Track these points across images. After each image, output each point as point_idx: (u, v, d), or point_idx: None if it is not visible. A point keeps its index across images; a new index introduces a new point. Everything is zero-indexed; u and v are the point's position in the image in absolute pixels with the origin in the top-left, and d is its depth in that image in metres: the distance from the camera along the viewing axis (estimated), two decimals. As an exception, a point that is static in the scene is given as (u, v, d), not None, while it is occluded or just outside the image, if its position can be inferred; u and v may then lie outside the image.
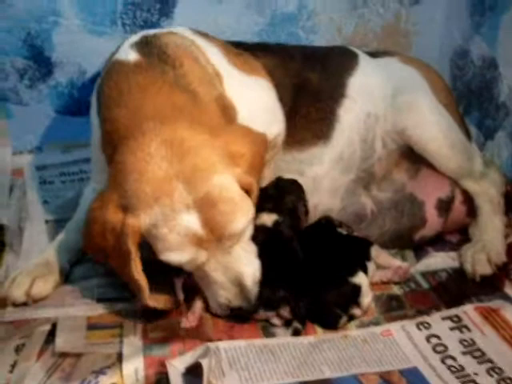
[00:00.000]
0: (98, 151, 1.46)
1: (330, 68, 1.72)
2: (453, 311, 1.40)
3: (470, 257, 1.57)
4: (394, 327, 1.37)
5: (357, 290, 1.40)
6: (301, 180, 1.62)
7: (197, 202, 1.21)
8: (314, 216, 1.64)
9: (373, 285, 1.49)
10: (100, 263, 1.49)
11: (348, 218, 1.68)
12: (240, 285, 1.29)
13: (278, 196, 1.53)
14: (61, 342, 1.31)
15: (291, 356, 1.28)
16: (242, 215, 1.25)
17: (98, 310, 1.42)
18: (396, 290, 1.52)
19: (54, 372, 1.24)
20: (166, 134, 1.24)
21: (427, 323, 1.37)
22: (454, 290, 1.52)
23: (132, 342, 1.32)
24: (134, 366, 1.25)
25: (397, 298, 1.49)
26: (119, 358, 1.28)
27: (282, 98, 1.60)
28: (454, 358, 1.28)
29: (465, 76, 2.06)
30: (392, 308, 1.46)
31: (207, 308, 1.39)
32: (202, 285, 1.34)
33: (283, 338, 1.35)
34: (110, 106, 1.38)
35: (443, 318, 1.39)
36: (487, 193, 1.67)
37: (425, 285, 1.54)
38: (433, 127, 1.65)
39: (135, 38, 1.50)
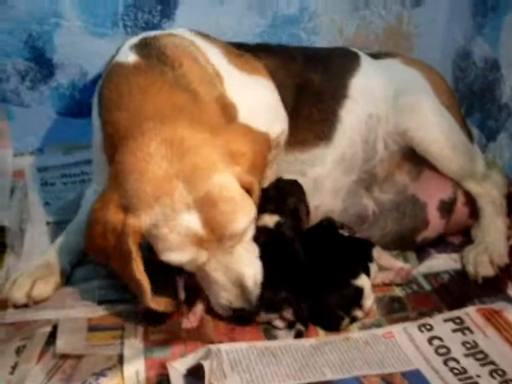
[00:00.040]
0: (100, 153, 1.46)
1: (331, 69, 1.72)
2: (455, 313, 1.40)
3: (473, 258, 1.57)
4: (396, 329, 1.36)
5: (359, 292, 1.40)
6: (302, 181, 1.62)
7: (197, 202, 1.21)
8: (315, 217, 1.64)
9: (375, 286, 1.48)
10: (101, 265, 1.48)
11: (350, 219, 1.67)
12: (241, 286, 1.29)
13: (280, 197, 1.53)
14: (61, 344, 1.31)
15: (293, 358, 1.27)
16: (242, 215, 1.24)
17: (98, 312, 1.42)
18: (398, 291, 1.52)
19: (54, 374, 1.24)
20: (165, 133, 1.24)
21: (429, 325, 1.37)
22: (456, 291, 1.51)
23: (133, 344, 1.32)
24: (135, 367, 1.25)
25: (399, 300, 1.49)
26: (120, 359, 1.27)
27: (284, 99, 1.60)
28: (456, 360, 1.28)
29: (467, 77, 2.06)
30: (394, 310, 1.46)
31: (208, 310, 1.39)
32: (204, 285, 1.34)
33: (285, 341, 1.34)
34: (110, 109, 1.38)
35: (445, 320, 1.38)
36: (489, 194, 1.67)
37: (427, 287, 1.54)
38: (435, 129, 1.65)
39: (134, 40, 1.50)
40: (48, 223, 1.75)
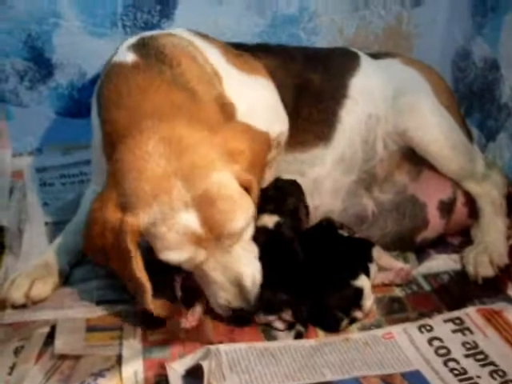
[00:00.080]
0: (99, 153, 1.45)
1: (331, 69, 1.71)
2: (455, 313, 1.40)
3: (472, 259, 1.56)
4: (396, 330, 1.36)
5: (359, 293, 1.40)
6: (302, 181, 1.62)
7: (195, 200, 1.20)
8: (314, 217, 1.64)
9: (374, 287, 1.48)
10: (100, 265, 1.48)
11: (349, 219, 1.67)
12: (239, 285, 1.28)
13: (279, 197, 1.53)
14: (60, 344, 1.31)
15: (292, 359, 1.27)
16: (241, 213, 1.24)
17: (97, 312, 1.42)
18: (398, 292, 1.51)
19: (52, 374, 1.24)
20: (164, 131, 1.23)
21: (429, 326, 1.36)
22: (456, 292, 1.51)
23: (132, 345, 1.31)
24: (134, 368, 1.25)
25: (398, 301, 1.49)
26: (119, 360, 1.27)
27: (283, 99, 1.59)
28: (456, 361, 1.27)
29: (466, 77, 2.06)
30: (394, 310, 1.46)
31: (208, 310, 1.38)
32: (202, 285, 1.33)
33: (284, 341, 1.34)
34: (109, 108, 1.37)
35: (445, 321, 1.38)
36: (489, 194, 1.66)
37: (427, 287, 1.53)
38: (434, 129, 1.64)
39: (132, 39, 1.50)
40: (46, 223, 1.74)
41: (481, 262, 1.55)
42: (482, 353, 1.29)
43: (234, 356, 1.25)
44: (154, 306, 1.30)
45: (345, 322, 1.38)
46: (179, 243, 1.21)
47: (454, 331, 1.35)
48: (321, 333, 1.38)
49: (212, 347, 1.25)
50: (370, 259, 1.51)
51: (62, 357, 1.28)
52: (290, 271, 1.41)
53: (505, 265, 1.55)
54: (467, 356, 1.28)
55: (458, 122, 1.71)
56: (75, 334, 1.34)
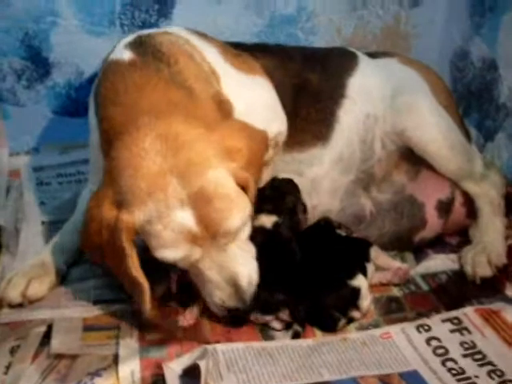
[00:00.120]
0: (97, 152, 1.45)
1: (329, 69, 1.71)
2: (453, 313, 1.39)
3: (471, 259, 1.56)
4: (394, 330, 1.36)
5: (356, 293, 1.39)
6: (300, 181, 1.61)
7: (191, 197, 1.19)
8: (312, 217, 1.63)
9: (372, 287, 1.47)
10: (97, 264, 1.47)
11: (347, 219, 1.67)
12: (235, 285, 1.27)
13: (277, 196, 1.52)
14: (56, 344, 1.30)
15: (290, 359, 1.26)
16: (237, 212, 1.22)
17: (94, 312, 1.41)
18: (396, 292, 1.51)
19: (49, 374, 1.23)
20: (160, 128, 1.23)
21: (427, 325, 1.36)
22: (454, 292, 1.51)
23: (128, 344, 1.31)
24: (131, 367, 1.24)
25: (396, 300, 1.48)
26: (115, 359, 1.27)
27: (282, 99, 1.59)
28: (454, 361, 1.27)
29: (465, 77, 2.06)
30: (392, 310, 1.45)
31: (205, 310, 1.37)
32: (198, 283, 1.32)
33: (282, 341, 1.34)
34: (106, 106, 1.37)
35: (443, 321, 1.37)
36: (487, 194, 1.66)
37: (425, 287, 1.53)
38: (432, 129, 1.64)
39: (129, 38, 1.50)
40: (43, 223, 1.74)
41: (479, 262, 1.54)
42: (480, 352, 1.29)
43: (232, 356, 1.25)
44: (151, 307, 1.29)
45: (342, 321, 1.38)
46: (174, 241, 1.20)
47: (452, 331, 1.34)
48: (318, 333, 1.37)
49: (209, 347, 1.25)
50: (367, 259, 1.50)
51: (59, 356, 1.27)
52: (288, 271, 1.40)
53: (503, 265, 1.55)
54: (465, 356, 1.28)
55: (456, 122, 1.71)
56: (72, 334, 1.34)
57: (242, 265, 1.28)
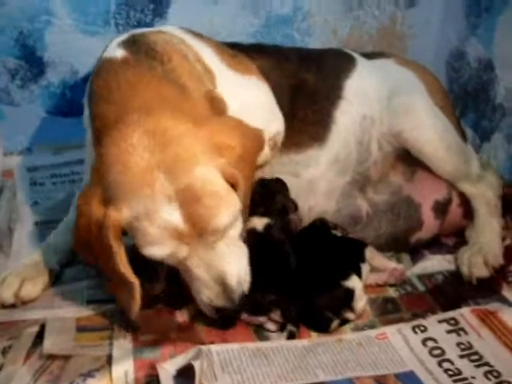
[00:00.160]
0: (91, 151, 1.44)
1: (325, 69, 1.71)
2: (449, 314, 1.38)
3: (467, 259, 1.56)
4: (390, 330, 1.35)
5: (350, 293, 1.38)
6: (296, 182, 1.61)
7: (178, 194, 1.17)
8: (308, 218, 1.63)
9: (368, 287, 1.47)
10: (91, 265, 1.46)
11: (343, 220, 1.66)
12: (223, 284, 1.24)
13: (266, 197, 1.51)
14: (49, 344, 1.29)
15: (285, 359, 1.25)
16: (226, 209, 1.20)
17: (87, 312, 1.40)
18: (392, 292, 1.50)
19: (41, 375, 1.22)
20: (149, 124, 1.21)
21: (423, 326, 1.35)
22: (450, 292, 1.50)
23: (122, 345, 1.30)
24: (124, 368, 1.23)
25: (392, 301, 1.48)
26: (109, 360, 1.25)
27: (280, 100, 1.58)
28: (450, 362, 1.26)
29: (461, 78, 2.05)
30: (388, 311, 1.45)
31: (199, 311, 1.36)
32: (187, 280, 1.30)
33: (277, 342, 1.33)
34: (99, 104, 1.36)
35: (440, 321, 1.37)
36: (484, 195, 1.66)
37: (421, 287, 1.52)
38: (429, 130, 1.64)
39: (123, 36, 1.49)
40: (37, 223, 1.73)
41: (475, 262, 1.54)
42: (476, 353, 1.28)
43: (226, 356, 1.24)
44: (140, 306, 1.27)
45: (335, 322, 1.37)
46: (160, 238, 1.18)
47: (449, 332, 1.34)
48: (314, 333, 1.37)
49: (203, 347, 1.24)
50: (362, 259, 1.50)
51: (51, 357, 1.26)
52: (281, 273, 1.39)
53: (499, 265, 1.54)
54: (462, 356, 1.27)
55: (452, 123, 1.70)
56: (65, 334, 1.33)
57: (231, 263, 1.25)
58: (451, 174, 1.66)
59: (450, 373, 1.23)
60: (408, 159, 1.68)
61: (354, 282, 1.40)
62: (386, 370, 1.24)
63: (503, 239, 1.62)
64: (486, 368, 1.24)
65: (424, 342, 1.31)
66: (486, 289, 1.50)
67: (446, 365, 1.25)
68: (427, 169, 1.66)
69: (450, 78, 2.11)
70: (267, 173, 1.59)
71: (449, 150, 1.64)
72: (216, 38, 1.63)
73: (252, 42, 1.96)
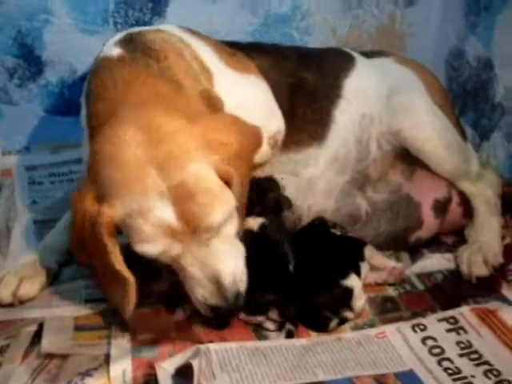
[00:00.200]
0: (88, 150, 1.43)
1: (325, 68, 1.71)
2: (449, 313, 1.38)
3: (467, 258, 1.55)
4: (389, 329, 1.34)
5: (349, 292, 1.38)
6: (295, 181, 1.61)
7: (171, 191, 1.16)
8: (308, 217, 1.63)
9: (367, 286, 1.47)
10: (84, 265, 1.46)
11: (342, 219, 1.66)
12: (217, 282, 1.22)
13: (260, 194, 1.50)
14: (47, 343, 1.28)
15: (284, 358, 1.25)
16: (220, 207, 1.18)
17: (85, 311, 1.40)
18: (391, 291, 1.50)
19: (39, 374, 1.21)
20: (143, 120, 1.20)
21: (423, 325, 1.35)
22: (449, 291, 1.50)
23: (120, 344, 1.29)
24: (122, 367, 1.22)
25: (392, 300, 1.47)
26: (107, 359, 1.25)
27: (279, 99, 1.58)
28: (450, 360, 1.26)
29: (460, 77, 2.05)
30: (387, 310, 1.44)
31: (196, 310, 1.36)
32: (181, 277, 1.28)
33: (276, 341, 1.32)
34: (95, 102, 1.36)
35: (439, 320, 1.36)
36: (484, 194, 1.66)
37: (420, 286, 1.52)
38: (428, 128, 1.64)
39: (119, 35, 1.49)
40: (35, 222, 1.72)
41: (475, 261, 1.54)
42: (476, 352, 1.28)
43: (225, 355, 1.23)
44: (136, 304, 1.26)
45: (334, 321, 1.36)
46: (153, 235, 1.16)
47: (448, 330, 1.33)
48: (313, 332, 1.36)
49: (202, 346, 1.23)
50: (361, 258, 1.49)
51: (49, 356, 1.26)
52: (278, 272, 1.39)
53: (499, 264, 1.54)
54: (461, 355, 1.27)
55: (452, 122, 1.70)
56: (63, 333, 1.32)
57: (225, 261, 1.24)
58: (451, 173, 1.66)
59: (450, 372, 1.23)
60: (407, 158, 1.67)
61: (353, 281, 1.40)
62: (385, 369, 1.24)
63: (503, 238, 1.62)
64: (486, 367, 1.23)
65: (423, 340, 1.31)
66: (485, 288, 1.49)
67: (445, 364, 1.25)
68: (427, 168, 1.66)
69: (449, 77, 2.11)
70: (267, 172, 1.59)
71: (448, 149, 1.64)
72: (214, 37, 1.62)
73: (251, 40, 1.95)
